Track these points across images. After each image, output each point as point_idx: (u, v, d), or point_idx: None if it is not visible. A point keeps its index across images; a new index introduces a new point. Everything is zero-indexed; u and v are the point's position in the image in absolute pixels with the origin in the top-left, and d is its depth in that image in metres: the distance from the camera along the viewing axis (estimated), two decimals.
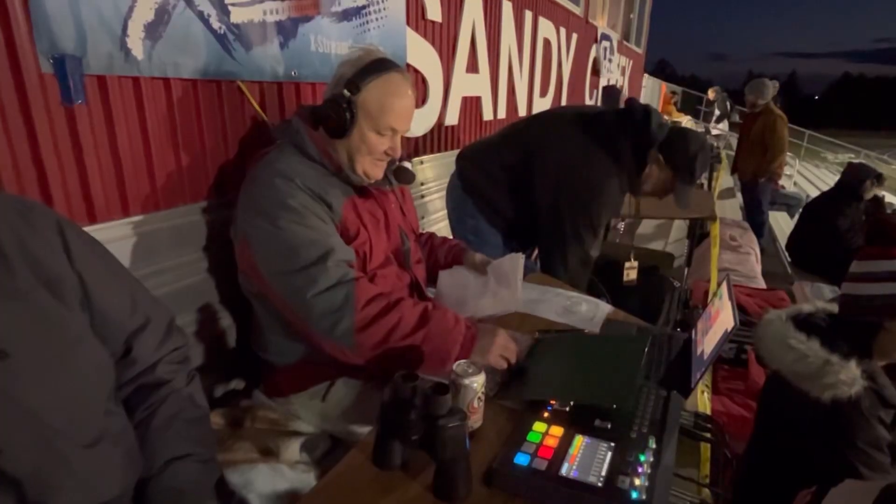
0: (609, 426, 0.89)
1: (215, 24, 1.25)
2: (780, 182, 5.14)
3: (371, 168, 1.21)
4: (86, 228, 0.90)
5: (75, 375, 0.70)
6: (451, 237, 1.76)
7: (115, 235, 1.12)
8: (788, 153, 5.36)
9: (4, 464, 0.61)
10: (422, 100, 2.31)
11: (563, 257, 1.85)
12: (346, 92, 1.14)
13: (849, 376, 1.05)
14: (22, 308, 0.66)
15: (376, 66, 1.16)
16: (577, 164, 1.78)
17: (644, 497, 0.75)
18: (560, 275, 1.82)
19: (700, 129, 8.38)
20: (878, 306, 1.11)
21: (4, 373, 0.62)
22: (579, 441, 0.85)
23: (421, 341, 1.05)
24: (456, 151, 2.14)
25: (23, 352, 0.64)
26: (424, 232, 1.58)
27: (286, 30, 1.45)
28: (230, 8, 1.28)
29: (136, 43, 1.10)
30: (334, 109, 1.14)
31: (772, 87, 4.60)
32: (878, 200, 3.82)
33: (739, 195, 5.53)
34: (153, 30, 1.13)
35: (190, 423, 0.84)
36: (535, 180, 1.84)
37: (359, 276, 1.10)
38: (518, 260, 1.37)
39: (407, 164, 1.34)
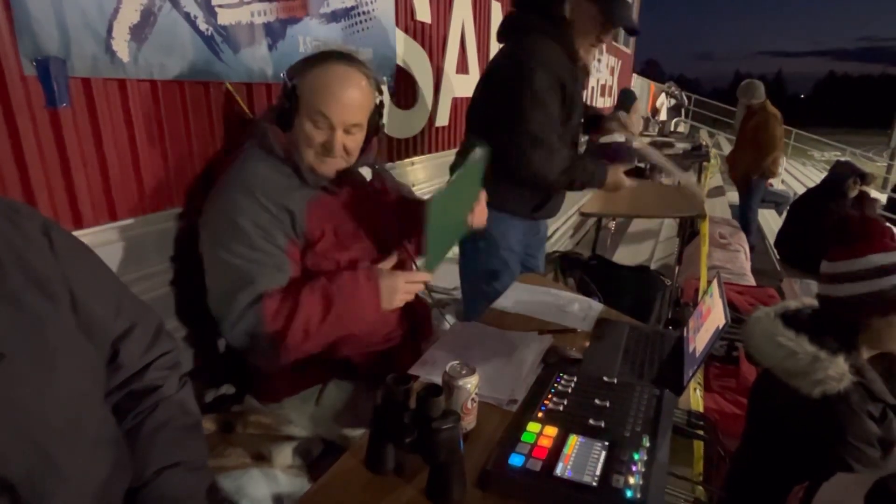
0: (603, 425, 0.89)
1: (202, 26, 1.24)
2: (769, 180, 5.18)
3: (317, 163, 1.17)
4: (72, 233, 0.89)
5: (70, 378, 0.69)
6: None
7: (102, 240, 1.11)
8: None
9: None
10: (412, 101, 2.30)
11: (518, 153, 1.63)
12: (287, 81, 1.14)
13: (837, 372, 1.06)
14: (15, 310, 0.65)
15: (321, 57, 1.16)
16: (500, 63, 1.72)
17: (639, 496, 0.75)
18: (526, 176, 1.66)
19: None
20: (857, 305, 1.12)
21: (1, 374, 0.61)
22: (573, 441, 0.85)
23: (335, 321, 1.10)
24: (448, 152, 2.14)
25: (18, 353, 0.63)
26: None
27: (274, 31, 1.44)
28: (217, 9, 1.27)
29: (121, 45, 1.08)
30: (279, 99, 1.16)
31: (761, 87, 4.63)
32: (862, 197, 3.86)
33: (729, 193, 5.58)
34: (139, 31, 1.11)
35: (181, 430, 0.82)
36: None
37: (268, 291, 1.09)
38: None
39: (364, 170, 1.26)
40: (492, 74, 1.77)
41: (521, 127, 1.63)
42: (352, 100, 1.14)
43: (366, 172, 1.27)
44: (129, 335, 0.81)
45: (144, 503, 0.75)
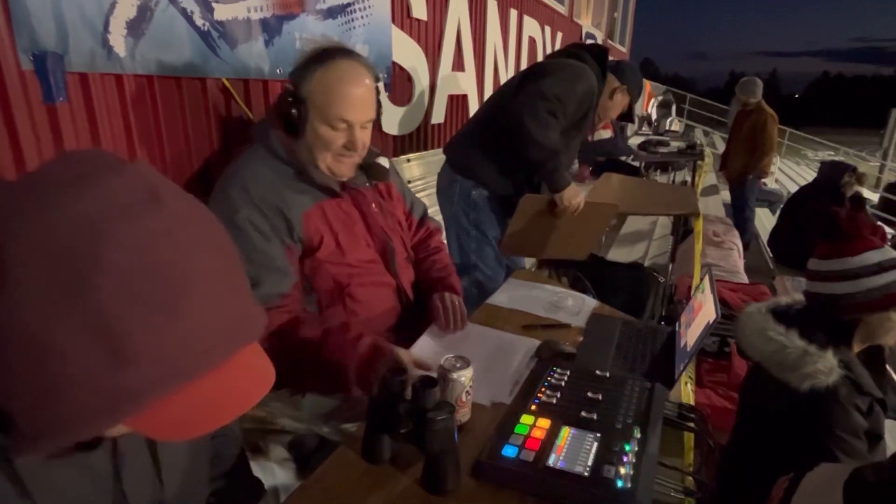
0: (595, 417, 0.91)
1: (199, 22, 1.25)
2: (763, 179, 5.20)
3: (335, 164, 1.17)
4: None
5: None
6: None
7: None
8: None
9: None
10: (408, 98, 2.31)
11: (526, 99, 1.78)
12: (289, 86, 1.11)
13: (826, 366, 1.08)
14: None
15: (321, 55, 1.11)
16: (543, 68, 1.94)
17: (629, 485, 0.76)
18: (523, 121, 1.74)
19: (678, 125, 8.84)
20: (854, 302, 1.13)
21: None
22: (566, 432, 0.87)
23: (315, 367, 1.07)
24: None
25: None
26: (430, 227, 1.48)
27: (271, 27, 1.45)
28: (213, 5, 1.27)
29: (118, 40, 1.09)
30: (283, 106, 1.10)
31: (760, 86, 4.65)
32: (856, 196, 3.87)
33: (723, 192, 5.61)
34: (135, 27, 1.12)
35: None
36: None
37: (276, 306, 1.08)
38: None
39: (381, 160, 1.28)
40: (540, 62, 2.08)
41: (541, 84, 1.78)
42: (366, 97, 1.14)
43: (384, 161, 1.29)
44: None
45: None
